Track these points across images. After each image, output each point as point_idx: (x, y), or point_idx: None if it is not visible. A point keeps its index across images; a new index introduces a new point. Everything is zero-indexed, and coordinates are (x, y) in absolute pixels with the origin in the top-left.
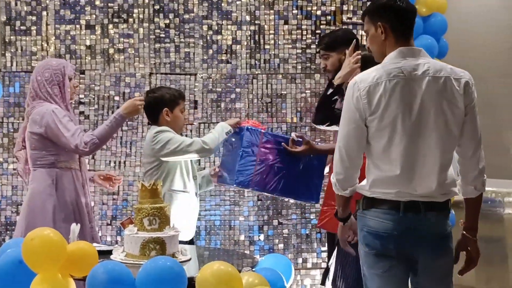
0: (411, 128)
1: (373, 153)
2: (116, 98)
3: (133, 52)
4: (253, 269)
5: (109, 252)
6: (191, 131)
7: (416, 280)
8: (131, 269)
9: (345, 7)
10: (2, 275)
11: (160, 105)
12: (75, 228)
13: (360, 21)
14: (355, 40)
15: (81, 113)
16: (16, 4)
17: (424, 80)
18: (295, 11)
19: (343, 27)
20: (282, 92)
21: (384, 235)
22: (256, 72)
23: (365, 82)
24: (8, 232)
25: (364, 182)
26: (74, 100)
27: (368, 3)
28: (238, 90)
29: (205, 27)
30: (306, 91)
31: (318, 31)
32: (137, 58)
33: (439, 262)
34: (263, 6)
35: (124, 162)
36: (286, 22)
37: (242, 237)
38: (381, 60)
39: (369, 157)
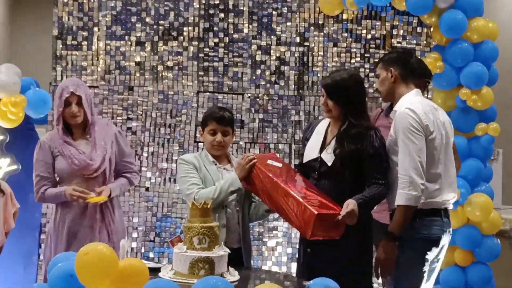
0: (444, 148)
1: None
2: (163, 115)
3: (181, 69)
4: None
5: (158, 270)
6: (237, 150)
7: None
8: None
9: (394, 32)
10: None
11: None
12: (124, 243)
13: (409, 46)
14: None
15: (128, 128)
16: (68, 19)
17: (440, 111)
18: (344, 34)
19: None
20: None
21: (435, 239)
22: (304, 94)
23: (419, 109)
24: None
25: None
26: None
27: (418, 28)
28: (285, 111)
29: (254, 47)
30: None
31: (367, 55)
32: (185, 76)
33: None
34: (312, 28)
35: (169, 179)
36: (335, 45)
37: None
38: (388, 99)
39: None
